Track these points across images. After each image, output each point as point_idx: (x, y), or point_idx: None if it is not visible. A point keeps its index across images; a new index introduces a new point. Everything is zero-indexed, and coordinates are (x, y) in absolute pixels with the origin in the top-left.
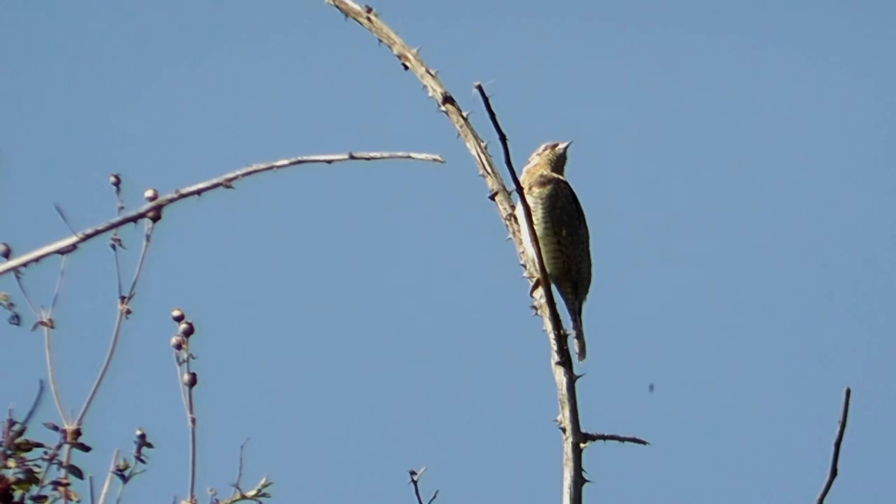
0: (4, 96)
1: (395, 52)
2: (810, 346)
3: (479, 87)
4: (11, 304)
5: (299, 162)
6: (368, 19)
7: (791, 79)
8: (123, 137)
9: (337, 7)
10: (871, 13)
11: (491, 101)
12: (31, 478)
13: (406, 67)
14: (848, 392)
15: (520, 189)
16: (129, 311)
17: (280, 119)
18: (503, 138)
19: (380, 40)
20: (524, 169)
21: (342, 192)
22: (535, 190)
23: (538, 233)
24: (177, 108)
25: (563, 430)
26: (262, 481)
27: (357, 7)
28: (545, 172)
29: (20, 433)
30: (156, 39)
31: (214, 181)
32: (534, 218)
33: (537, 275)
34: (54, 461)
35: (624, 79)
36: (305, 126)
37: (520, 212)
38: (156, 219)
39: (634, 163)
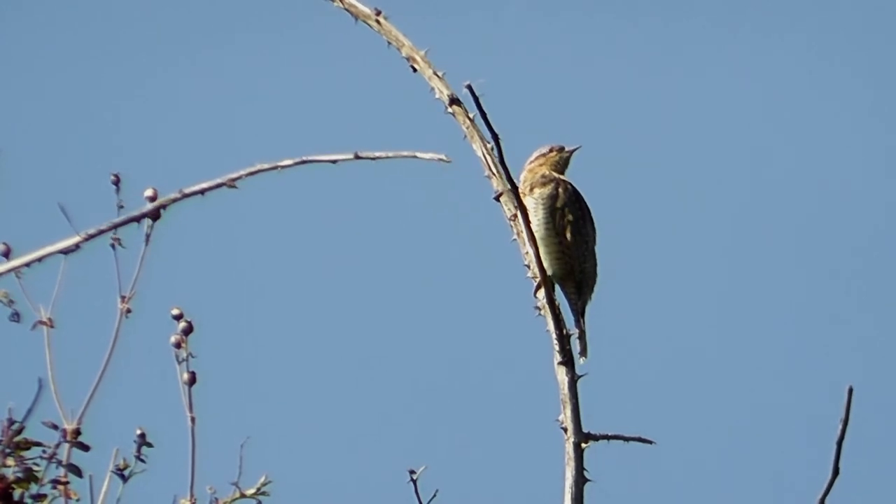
0: (4, 96)
1: (404, 54)
2: (812, 345)
3: (469, 87)
4: (11, 302)
5: (304, 162)
6: (377, 22)
7: (792, 76)
8: (127, 137)
9: (347, 10)
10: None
11: (482, 101)
12: (30, 476)
13: (414, 70)
14: (850, 390)
15: (514, 188)
16: (128, 310)
17: (286, 121)
18: (495, 137)
19: (389, 43)
20: (526, 167)
21: (346, 192)
22: (537, 190)
23: (540, 233)
24: (181, 108)
25: (565, 429)
26: (262, 480)
27: (366, 10)
28: (547, 172)
29: (19, 432)
30: (160, 37)
31: (218, 181)
32: (536, 218)
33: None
34: (53, 460)
35: (627, 79)
36: (313, 129)
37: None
38: (155, 217)
39: (638, 162)
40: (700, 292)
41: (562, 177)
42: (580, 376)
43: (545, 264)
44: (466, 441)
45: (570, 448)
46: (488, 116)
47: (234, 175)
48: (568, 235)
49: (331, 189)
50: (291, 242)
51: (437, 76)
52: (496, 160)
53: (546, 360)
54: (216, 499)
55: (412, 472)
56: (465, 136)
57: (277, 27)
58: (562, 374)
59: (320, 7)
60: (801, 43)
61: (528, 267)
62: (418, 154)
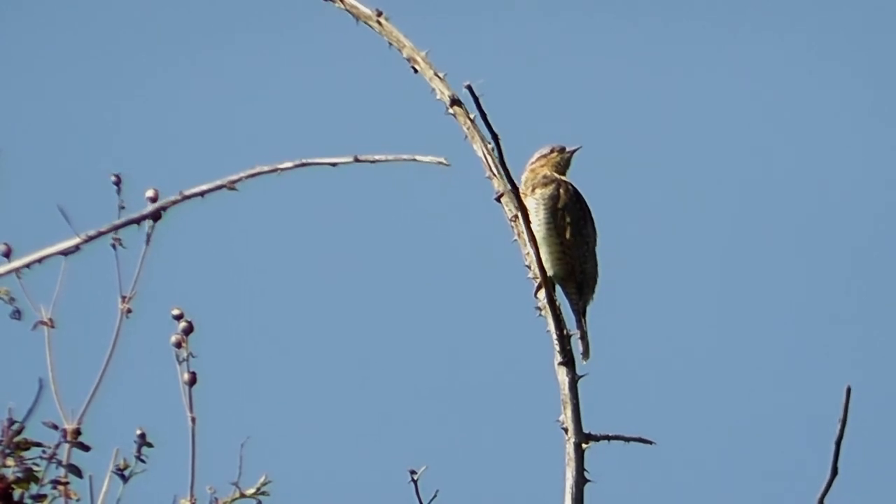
0: (4, 96)
1: (405, 55)
2: (812, 345)
3: (469, 87)
4: (12, 299)
5: (303, 164)
6: (378, 23)
7: (792, 76)
8: (127, 137)
9: (348, 11)
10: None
11: (481, 101)
12: (30, 476)
13: (415, 71)
14: (848, 390)
15: (514, 188)
16: (129, 311)
17: (286, 122)
18: (495, 137)
19: (390, 44)
20: (527, 168)
21: (347, 193)
22: (538, 191)
23: (542, 234)
24: (181, 110)
25: (566, 430)
26: (262, 480)
27: (367, 11)
28: (548, 173)
29: (19, 432)
30: (160, 38)
31: (218, 183)
32: (537, 219)
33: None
34: (53, 460)
35: (627, 79)
36: (313, 130)
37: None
38: (156, 218)
39: (638, 162)
40: (700, 292)
41: (563, 177)
42: (581, 377)
43: (546, 265)
44: (467, 441)
45: (570, 448)
46: (488, 117)
47: (234, 177)
48: (568, 236)
49: (331, 191)
50: (291, 244)
51: (438, 77)
52: (496, 161)
53: (547, 361)
54: (216, 499)
55: (412, 472)
56: (466, 137)
57: (277, 27)
58: (562, 375)
59: (320, 7)
60: (801, 43)
61: (529, 268)
62: (418, 157)
